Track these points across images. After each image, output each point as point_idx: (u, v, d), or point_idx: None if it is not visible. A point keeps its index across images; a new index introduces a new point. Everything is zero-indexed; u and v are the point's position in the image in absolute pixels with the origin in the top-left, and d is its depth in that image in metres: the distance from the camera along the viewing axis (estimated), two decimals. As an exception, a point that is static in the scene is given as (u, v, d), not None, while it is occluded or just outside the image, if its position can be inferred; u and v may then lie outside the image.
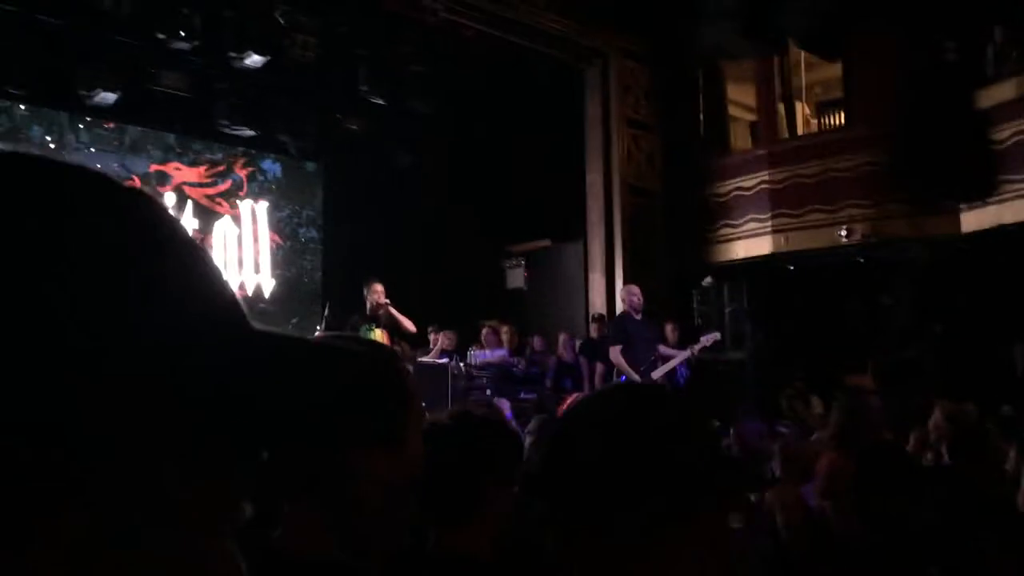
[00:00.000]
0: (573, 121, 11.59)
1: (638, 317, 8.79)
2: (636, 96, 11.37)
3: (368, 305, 9.08)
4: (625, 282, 10.92)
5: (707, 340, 8.96)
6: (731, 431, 4.99)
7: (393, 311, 8.88)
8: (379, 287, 9.06)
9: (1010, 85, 8.89)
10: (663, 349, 8.84)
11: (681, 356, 8.76)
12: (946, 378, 8.62)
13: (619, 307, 10.82)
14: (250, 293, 11.19)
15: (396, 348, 9.43)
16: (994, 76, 9.03)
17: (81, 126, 10.44)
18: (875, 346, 9.47)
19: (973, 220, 9.21)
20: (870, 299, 10.00)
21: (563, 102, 11.59)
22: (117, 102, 9.69)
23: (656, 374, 8.51)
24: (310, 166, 12.45)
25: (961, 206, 9.29)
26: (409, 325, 9.09)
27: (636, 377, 8.31)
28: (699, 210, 11.26)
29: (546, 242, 12.87)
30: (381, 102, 10.85)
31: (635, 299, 8.82)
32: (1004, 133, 8.95)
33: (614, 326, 9.26)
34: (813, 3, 9.32)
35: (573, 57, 11.43)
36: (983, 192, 9.10)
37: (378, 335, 8.88)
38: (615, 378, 8.85)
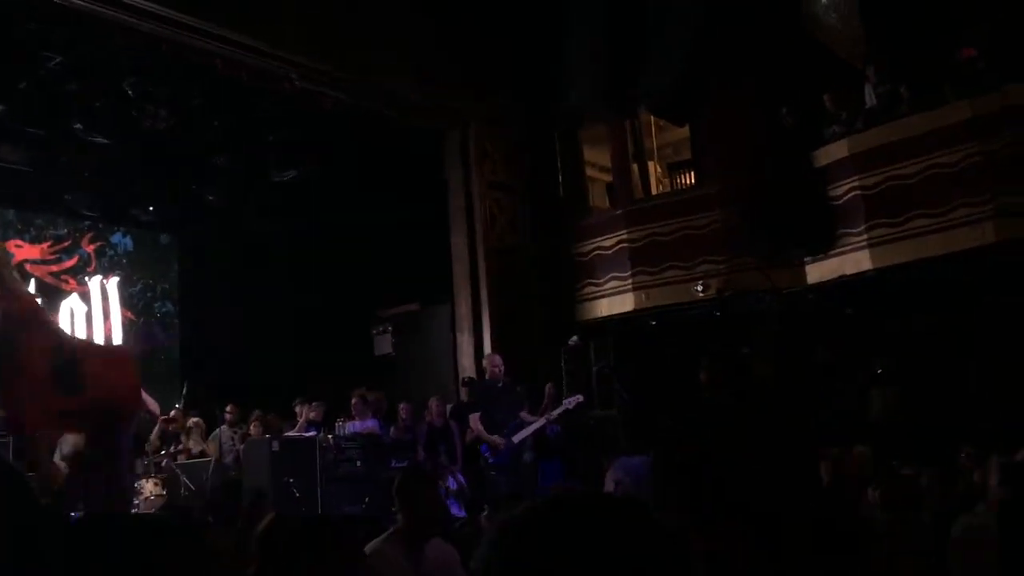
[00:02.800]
0: (436, 184, 11.61)
1: (500, 384, 9.09)
2: (496, 160, 11.53)
3: None
4: (493, 343, 10.94)
5: (569, 403, 9.05)
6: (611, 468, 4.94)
7: None
8: None
9: (841, 145, 9.51)
10: (524, 415, 9.01)
11: (538, 423, 8.92)
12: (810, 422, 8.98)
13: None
14: (102, 374, 10.59)
15: None
16: (828, 137, 9.64)
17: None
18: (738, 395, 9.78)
19: (817, 272, 9.73)
20: (730, 350, 10.35)
21: (426, 165, 11.62)
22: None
23: (516, 438, 8.82)
24: (164, 238, 12.02)
25: (806, 259, 9.80)
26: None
27: (497, 442, 8.76)
28: (563, 270, 11.46)
29: (414, 306, 12.77)
30: (237, 171, 10.61)
31: (496, 368, 9.14)
32: (840, 189, 9.53)
33: (474, 393, 9.68)
34: (661, 74, 9.74)
35: (433, 122, 11.50)
36: (825, 245, 9.63)
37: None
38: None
